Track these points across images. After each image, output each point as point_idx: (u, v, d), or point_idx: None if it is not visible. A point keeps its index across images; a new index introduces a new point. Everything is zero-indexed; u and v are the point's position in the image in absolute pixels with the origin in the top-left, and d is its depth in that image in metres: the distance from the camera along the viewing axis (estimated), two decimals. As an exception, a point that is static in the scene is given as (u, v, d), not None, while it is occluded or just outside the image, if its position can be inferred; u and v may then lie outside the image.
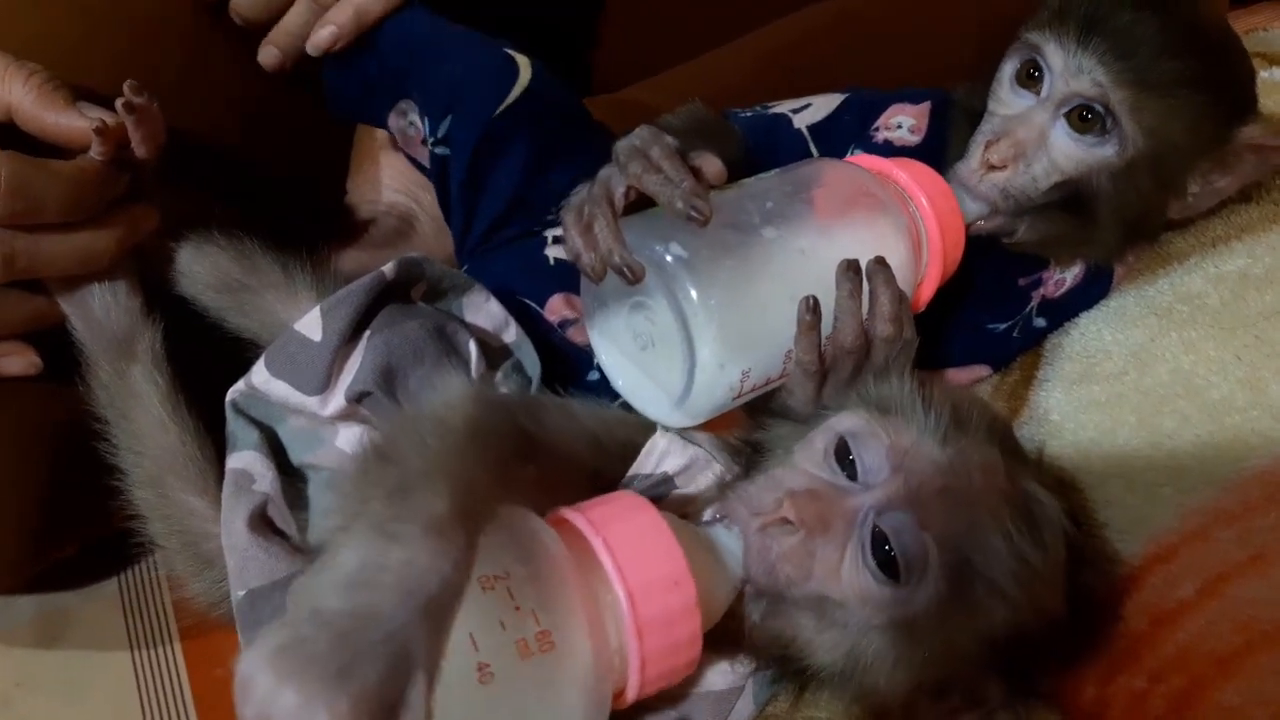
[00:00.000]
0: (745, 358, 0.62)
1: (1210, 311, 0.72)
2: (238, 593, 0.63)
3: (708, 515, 0.59)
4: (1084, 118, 0.68)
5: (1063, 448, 0.70)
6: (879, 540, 0.54)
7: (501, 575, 0.48)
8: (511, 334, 0.72)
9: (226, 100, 0.87)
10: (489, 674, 0.46)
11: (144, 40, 0.81)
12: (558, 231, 0.83)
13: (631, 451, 0.63)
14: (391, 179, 0.94)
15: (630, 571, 0.51)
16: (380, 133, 0.93)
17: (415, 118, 0.86)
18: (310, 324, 0.67)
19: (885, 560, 0.54)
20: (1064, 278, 0.78)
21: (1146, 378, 0.71)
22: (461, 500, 0.45)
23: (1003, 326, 0.79)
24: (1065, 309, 0.80)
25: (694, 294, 0.59)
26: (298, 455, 0.68)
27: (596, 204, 0.63)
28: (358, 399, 0.66)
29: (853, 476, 0.57)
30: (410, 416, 0.58)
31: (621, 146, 0.65)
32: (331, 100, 0.88)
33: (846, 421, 0.58)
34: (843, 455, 0.58)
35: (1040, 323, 0.80)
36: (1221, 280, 0.73)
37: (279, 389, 0.67)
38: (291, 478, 0.68)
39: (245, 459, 0.66)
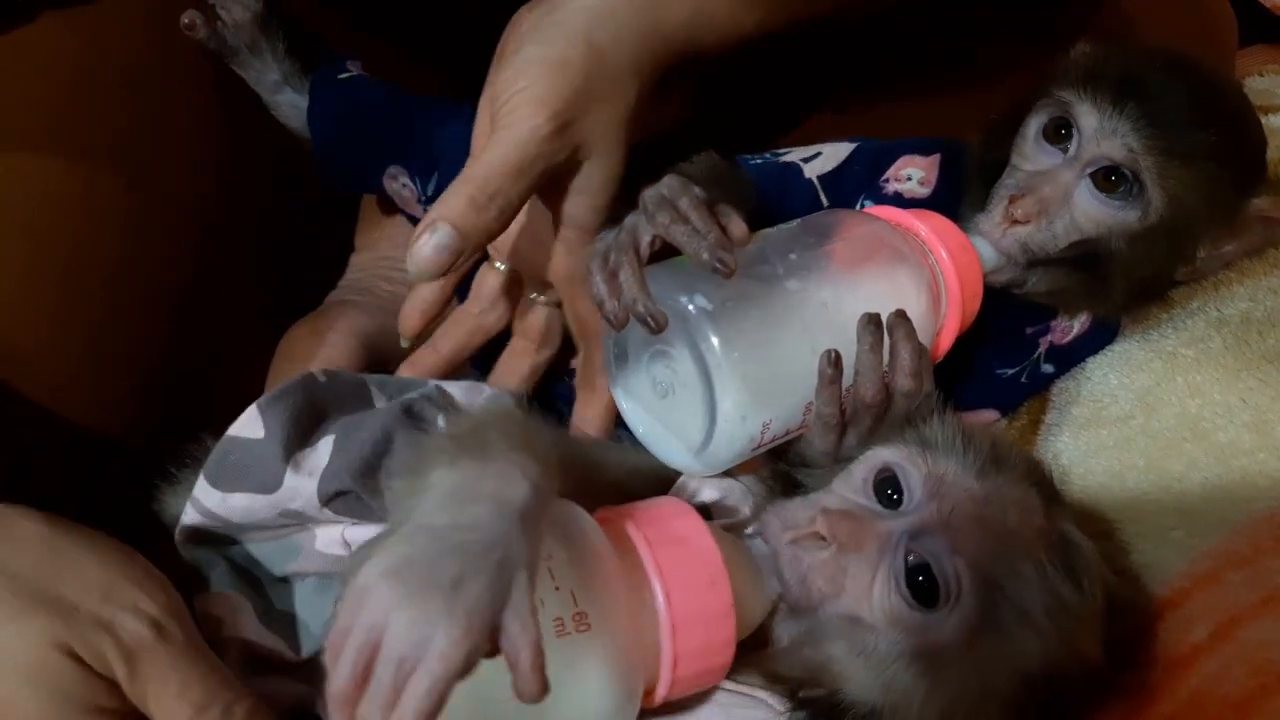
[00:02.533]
0: (767, 409, 0.62)
1: (1214, 355, 0.73)
2: None
3: (749, 531, 0.60)
4: (1110, 180, 0.69)
5: (1072, 492, 0.71)
6: (911, 564, 0.55)
7: (545, 557, 0.50)
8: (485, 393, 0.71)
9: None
10: None
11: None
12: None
13: (668, 483, 0.64)
14: (396, 248, 0.96)
15: (669, 569, 0.52)
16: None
17: (406, 179, 0.89)
18: (248, 424, 0.65)
19: (917, 585, 0.55)
20: (1071, 325, 0.80)
21: (1154, 421, 0.71)
22: (532, 444, 0.49)
23: (1011, 372, 0.80)
24: (1073, 355, 0.81)
25: (717, 345, 0.60)
26: (278, 568, 0.64)
27: (623, 252, 0.63)
28: (329, 500, 0.63)
29: (889, 506, 0.58)
30: (465, 415, 0.60)
31: (649, 195, 0.65)
32: (330, 182, 0.92)
33: (886, 453, 0.60)
34: (881, 486, 0.59)
35: (1048, 368, 0.81)
36: (1224, 324, 0.74)
37: (239, 502, 0.63)
38: (263, 592, 0.64)
39: (215, 590, 0.62)
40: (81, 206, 0.78)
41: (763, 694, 0.59)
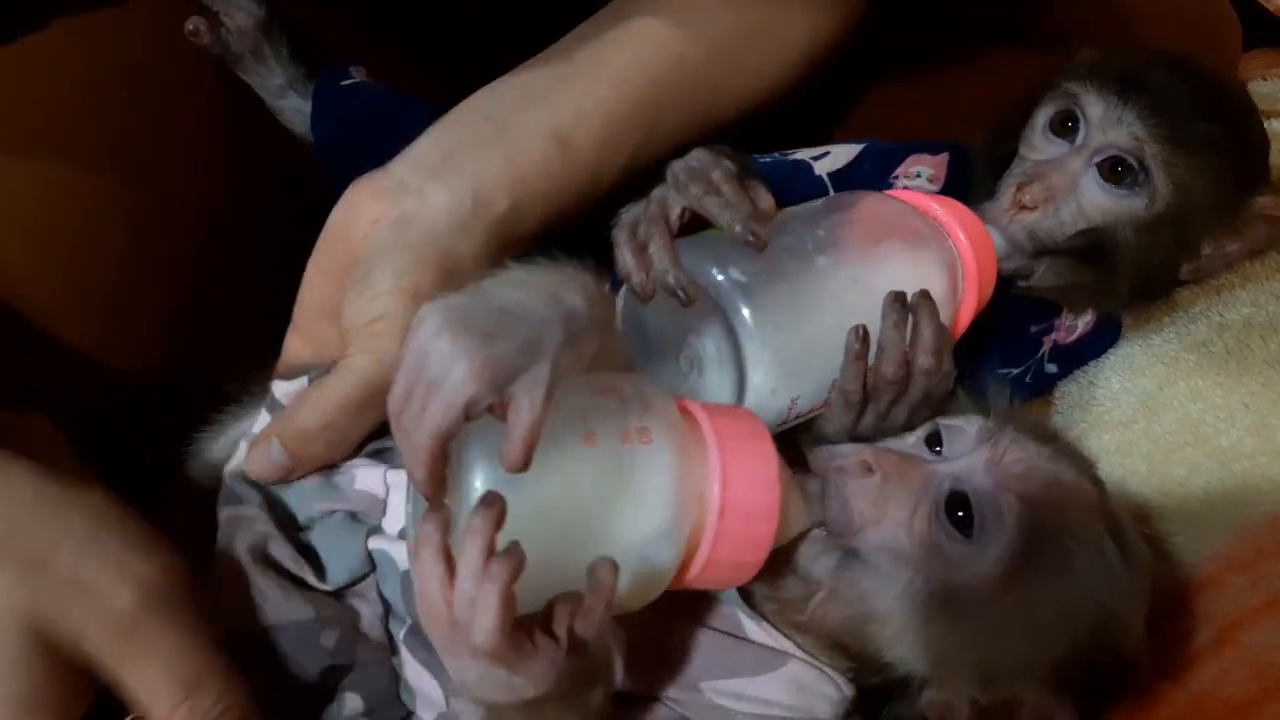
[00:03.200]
0: (796, 384, 0.62)
1: (1216, 359, 0.73)
2: None
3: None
4: (1116, 170, 0.70)
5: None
6: (954, 498, 0.56)
7: (616, 390, 0.53)
8: None
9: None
10: (594, 440, 0.50)
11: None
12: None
13: None
14: None
15: (725, 435, 0.53)
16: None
17: None
18: (298, 390, 0.67)
19: (956, 516, 0.56)
20: (1075, 324, 0.80)
21: (1156, 426, 0.72)
22: (603, 299, 0.52)
23: (1015, 371, 0.80)
24: (1076, 355, 0.81)
25: (749, 318, 0.60)
26: (308, 510, 0.64)
27: (653, 223, 0.62)
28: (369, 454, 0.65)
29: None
30: None
31: (679, 167, 0.65)
32: (332, 185, 0.90)
33: (944, 420, 0.62)
34: (931, 441, 0.61)
35: (1052, 368, 0.81)
36: (1226, 328, 0.75)
37: None
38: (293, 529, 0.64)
39: (246, 510, 0.63)
40: (83, 208, 0.78)
41: (833, 673, 0.60)
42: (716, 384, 0.62)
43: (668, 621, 0.58)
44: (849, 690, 0.60)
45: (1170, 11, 0.98)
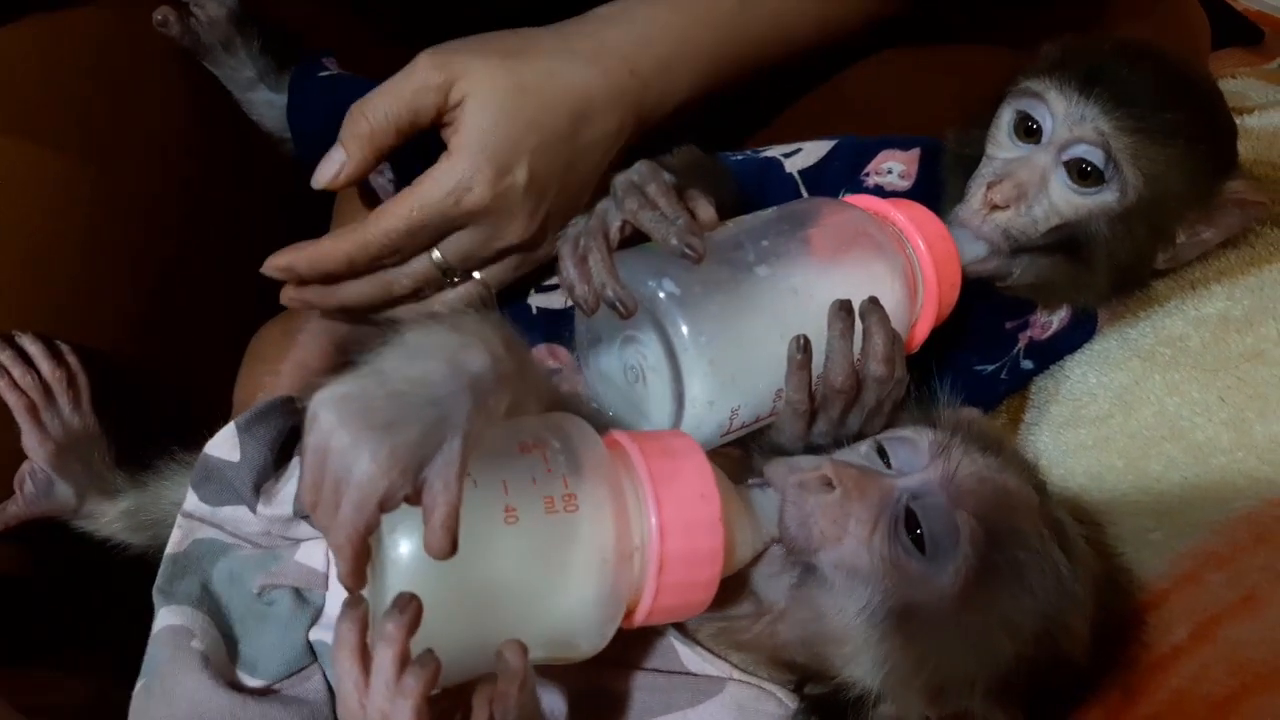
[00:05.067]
0: (735, 395, 0.62)
1: (1192, 354, 0.73)
2: None
3: (749, 482, 0.59)
4: (1085, 168, 0.70)
5: (1052, 492, 0.70)
6: (912, 516, 0.55)
7: (540, 444, 0.51)
8: None
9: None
10: (514, 516, 0.49)
11: None
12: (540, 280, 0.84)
13: None
14: None
15: (660, 477, 0.52)
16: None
17: (390, 172, 0.87)
18: (225, 444, 0.66)
19: (916, 533, 0.55)
20: (1050, 321, 0.80)
21: (1132, 421, 0.71)
22: (510, 342, 0.50)
23: (991, 368, 0.80)
24: (1051, 352, 0.81)
25: (685, 330, 0.60)
26: (251, 582, 0.63)
27: (592, 237, 0.63)
28: (306, 517, 0.64)
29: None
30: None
31: (619, 181, 0.65)
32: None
33: (892, 431, 0.62)
34: (883, 453, 0.60)
35: (1028, 365, 0.81)
36: (1202, 323, 0.74)
37: (228, 514, 0.65)
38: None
39: (183, 614, 0.62)
40: (48, 204, 0.77)
41: (773, 687, 0.60)
42: (658, 394, 0.62)
43: (602, 670, 0.58)
44: (791, 701, 0.59)
45: (1140, 10, 0.98)
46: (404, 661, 0.44)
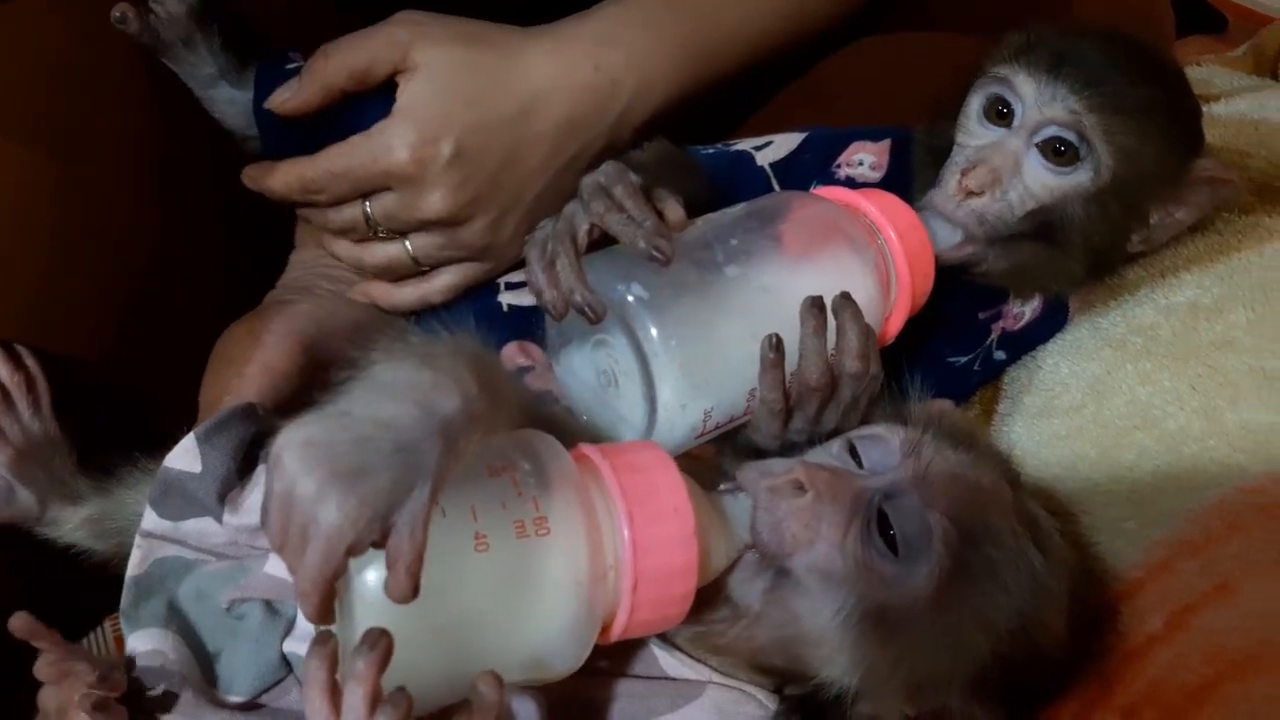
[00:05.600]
0: (708, 397, 0.62)
1: (1163, 343, 0.73)
2: None
3: (721, 487, 0.59)
4: (1058, 151, 0.70)
5: (1027, 483, 0.71)
6: (884, 517, 0.56)
7: (509, 465, 0.51)
8: None
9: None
10: (485, 544, 0.48)
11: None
12: (510, 278, 0.84)
13: None
14: None
15: (632, 492, 0.52)
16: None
17: None
18: (185, 456, 0.64)
19: (889, 534, 0.55)
20: (1023, 311, 0.80)
21: (1105, 410, 0.72)
22: (485, 373, 0.49)
23: (964, 359, 0.80)
24: (1024, 342, 0.81)
25: (655, 334, 0.60)
26: (218, 597, 0.62)
27: (559, 241, 0.63)
28: None
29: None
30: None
31: (586, 183, 0.65)
32: None
33: (863, 429, 0.62)
34: (855, 452, 0.60)
35: (1000, 355, 0.81)
36: (1172, 311, 0.75)
37: (191, 527, 0.64)
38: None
39: (152, 637, 0.61)
40: (11, 204, 0.76)
41: (752, 689, 0.60)
42: (630, 397, 0.62)
43: (582, 678, 0.57)
44: (771, 703, 0.60)
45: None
46: (375, 699, 0.43)
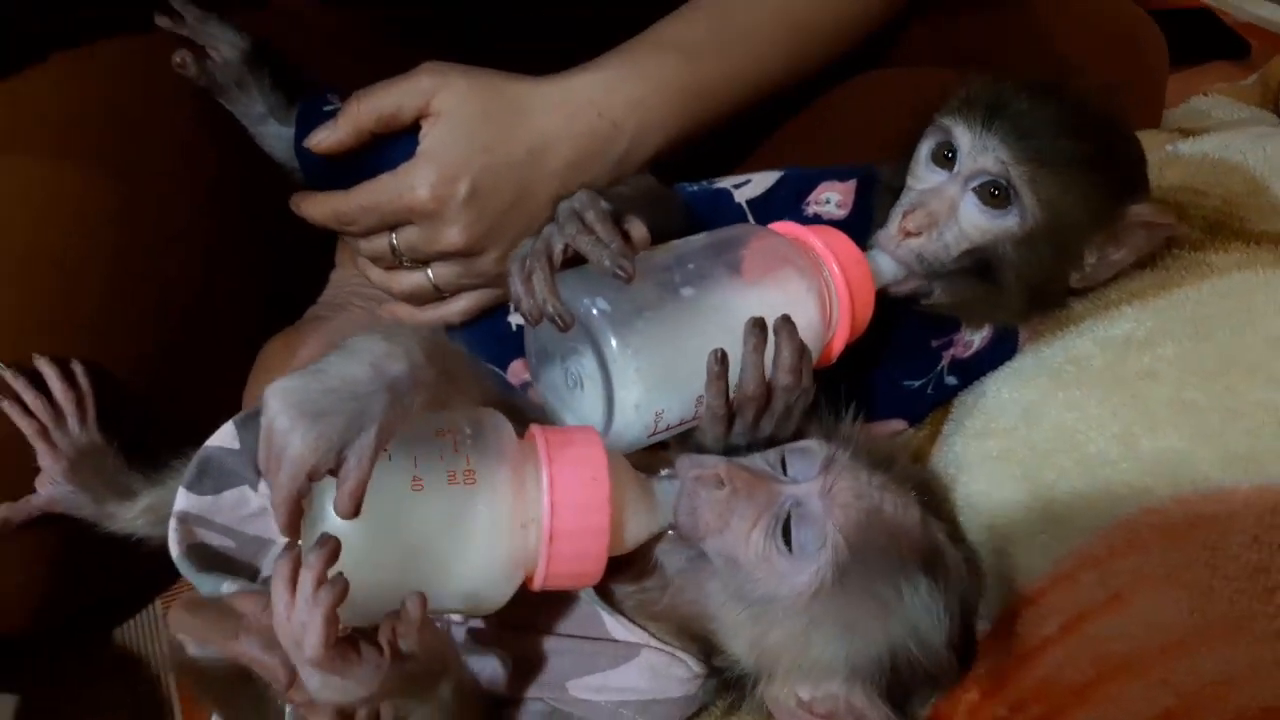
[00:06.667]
0: (660, 400, 0.70)
1: (1094, 372, 0.77)
2: None
3: (662, 473, 0.68)
4: (992, 194, 0.75)
5: (955, 498, 0.77)
6: (788, 516, 0.64)
7: (454, 430, 0.62)
8: None
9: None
10: (421, 485, 0.59)
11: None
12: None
13: None
14: None
15: (557, 461, 0.61)
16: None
17: None
18: (225, 436, 0.75)
19: (788, 535, 0.64)
20: (972, 340, 0.86)
21: (1034, 433, 0.77)
22: (435, 351, 0.61)
23: (918, 383, 0.86)
24: (974, 368, 0.87)
25: (614, 343, 0.68)
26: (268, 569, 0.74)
27: (537, 258, 0.71)
28: None
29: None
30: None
31: (562, 208, 0.74)
32: None
33: (798, 442, 0.69)
34: (785, 462, 0.68)
35: (952, 380, 0.87)
36: (1109, 343, 0.79)
37: (230, 498, 0.74)
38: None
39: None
40: (76, 228, 0.86)
41: (684, 655, 0.69)
42: (593, 398, 0.71)
43: (535, 636, 0.68)
44: (699, 668, 0.68)
45: (1089, 26, 1.02)
46: (320, 583, 0.54)
